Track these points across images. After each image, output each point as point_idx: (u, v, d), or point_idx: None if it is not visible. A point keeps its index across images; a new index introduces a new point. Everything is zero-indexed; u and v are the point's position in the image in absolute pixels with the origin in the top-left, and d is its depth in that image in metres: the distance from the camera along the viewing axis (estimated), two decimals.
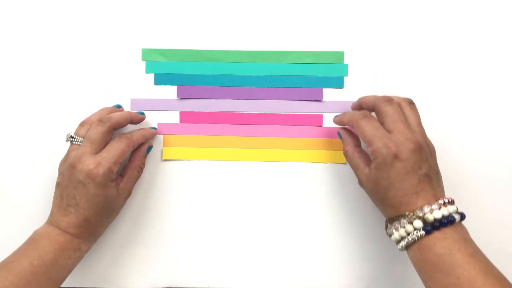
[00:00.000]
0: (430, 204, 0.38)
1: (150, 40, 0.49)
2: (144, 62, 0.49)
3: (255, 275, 0.49)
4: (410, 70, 0.49)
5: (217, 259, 0.49)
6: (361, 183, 0.42)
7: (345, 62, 0.49)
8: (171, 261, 0.49)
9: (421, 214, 0.37)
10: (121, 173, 0.46)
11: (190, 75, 0.49)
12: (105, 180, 0.41)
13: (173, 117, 0.49)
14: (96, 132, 0.42)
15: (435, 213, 0.37)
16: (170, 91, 0.49)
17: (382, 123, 0.41)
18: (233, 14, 0.49)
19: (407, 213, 0.38)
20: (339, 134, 0.46)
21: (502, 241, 0.48)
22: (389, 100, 0.41)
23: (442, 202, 0.38)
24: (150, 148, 0.48)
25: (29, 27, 0.49)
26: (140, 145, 0.47)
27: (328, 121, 0.49)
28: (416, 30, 0.49)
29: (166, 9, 0.49)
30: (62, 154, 0.48)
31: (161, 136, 0.49)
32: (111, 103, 0.49)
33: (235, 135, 0.49)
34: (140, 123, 0.48)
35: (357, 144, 0.44)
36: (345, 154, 0.44)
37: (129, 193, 0.46)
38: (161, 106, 0.49)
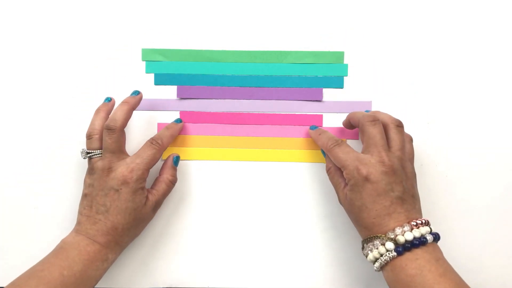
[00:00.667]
0: (402, 226, 0.38)
1: (150, 40, 0.49)
2: (144, 62, 0.49)
3: (255, 275, 0.49)
4: (410, 70, 0.49)
5: (217, 259, 0.49)
6: (340, 201, 0.43)
7: (345, 62, 0.49)
8: (171, 261, 0.49)
9: (392, 236, 0.38)
10: (152, 185, 0.46)
11: (190, 75, 0.49)
12: (137, 186, 0.42)
13: (173, 117, 0.49)
14: (111, 141, 0.43)
15: (407, 235, 0.38)
16: (170, 91, 0.49)
17: (362, 142, 0.43)
18: (233, 14, 0.49)
19: (379, 235, 0.39)
20: (322, 151, 0.47)
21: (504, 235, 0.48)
22: (373, 120, 0.42)
23: (414, 223, 0.38)
24: (177, 158, 0.47)
25: (29, 27, 0.49)
26: (168, 156, 0.47)
27: (328, 121, 0.49)
28: (416, 30, 0.49)
29: (166, 9, 0.49)
30: (62, 154, 0.48)
31: None
32: None
33: (235, 135, 0.49)
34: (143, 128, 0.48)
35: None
36: (328, 171, 0.45)
37: (157, 206, 0.45)
38: (161, 106, 0.49)
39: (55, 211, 0.48)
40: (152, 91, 0.49)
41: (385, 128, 0.43)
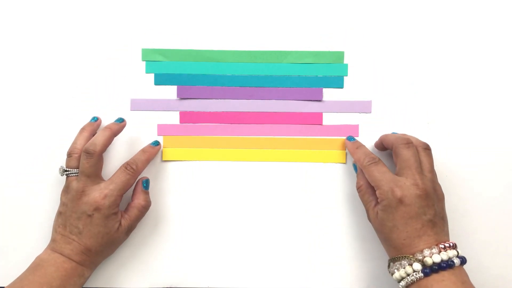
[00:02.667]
0: (430, 248, 0.39)
1: (150, 40, 0.49)
2: (144, 62, 0.49)
3: (255, 275, 0.49)
4: (410, 70, 0.49)
5: (217, 259, 0.49)
6: (369, 219, 0.44)
7: (345, 62, 0.49)
8: (171, 261, 0.49)
9: (420, 257, 0.39)
10: (125, 209, 0.46)
11: (190, 75, 0.49)
12: (109, 212, 0.43)
13: (173, 117, 0.49)
14: (88, 165, 0.43)
15: (435, 257, 0.38)
16: (170, 91, 0.49)
17: (396, 164, 0.43)
18: (233, 14, 0.49)
19: (408, 255, 0.39)
20: (354, 166, 0.47)
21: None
22: (407, 143, 0.43)
23: (442, 246, 0.39)
24: (146, 182, 0.47)
25: (29, 28, 0.49)
26: (137, 181, 0.47)
27: (328, 121, 0.49)
28: (416, 30, 0.49)
29: (166, 9, 0.49)
30: (62, 154, 0.48)
31: (161, 137, 0.49)
32: (111, 103, 0.49)
33: (235, 135, 0.49)
34: (143, 128, 0.49)
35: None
36: (359, 188, 0.45)
37: (130, 229, 0.46)
38: (161, 106, 0.49)
39: (55, 211, 0.48)
40: (152, 91, 0.49)
41: None
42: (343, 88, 0.49)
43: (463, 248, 0.48)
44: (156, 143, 0.48)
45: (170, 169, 0.49)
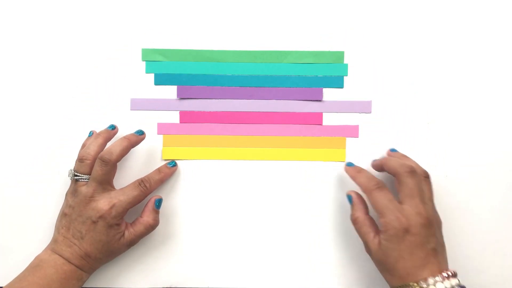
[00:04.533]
0: (434, 276, 0.39)
1: (150, 40, 0.49)
2: (144, 62, 0.49)
3: (255, 275, 0.49)
4: (410, 70, 0.49)
5: (217, 259, 0.49)
6: (368, 250, 0.43)
7: (345, 62, 0.49)
8: (171, 261, 0.49)
9: (425, 286, 0.39)
10: (132, 222, 0.46)
11: (190, 75, 0.49)
12: (113, 221, 0.43)
13: (173, 117, 0.49)
14: (102, 173, 0.43)
15: (438, 285, 0.39)
16: (170, 91, 0.49)
17: (398, 192, 0.42)
18: (233, 14, 0.49)
19: (412, 283, 0.39)
20: (349, 198, 0.45)
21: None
22: (411, 172, 0.42)
23: (446, 275, 0.39)
24: (159, 202, 0.47)
25: (29, 28, 0.49)
26: (150, 199, 0.47)
27: (328, 121, 0.49)
28: (416, 30, 0.49)
29: (166, 9, 0.49)
30: (62, 154, 0.48)
31: (161, 136, 0.49)
32: (111, 103, 0.49)
33: (235, 134, 0.49)
34: (143, 128, 0.49)
35: (367, 212, 0.44)
36: (355, 220, 0.44)
37: (132, 244, 0.46)
38: (161, 106, 0.49)
39: (55, 211, 0.48)
40: (152, 91, 0.49)
41: None
42: (343, 88, 0.49)
43: (463, 248, 0.48)
44: (173, 164, 0.48)
45: None
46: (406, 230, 0.40)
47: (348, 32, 0.49)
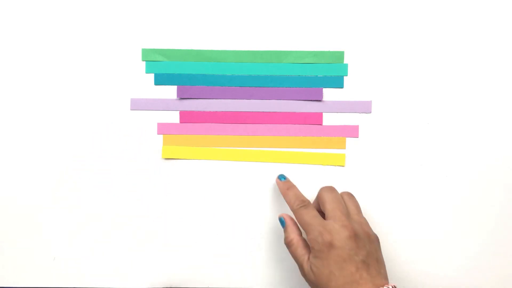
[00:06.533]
0: None
1: (150, 40, 0.49)
2: (144, 62, 0.49)
3: (255, 275, 0.49)
4: (410, 70, 0.49)
5: (217, 259, 0.49)
6: (303, 273, 0.42)
7: (345, 62, 0.49)
8: (171, 261, 0.49)
9: None
10: None
11: (190, 75, 0.49)
12: None
13: (173, 117, 0.49)
14: None
15: None
16: (170, 91, 0.49)
17: (323, 209, 0.43)
18: (233, 14, 0.49)
19: None
20: (281, 220, 0.45)
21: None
22: (330, 188, 0.45)
23: None
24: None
25: (29, 28, 0.49)
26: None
27: (328, 121, 0.49)
28: (416, 30, 0.49)
29: (166, 9, 0.49)
30: (61, 154, 0.48)
31: (161, 136, 0.49)
32: (111, 103, 0.49)
33: (235, 134, 0.49)
34: (143, 128, 0.48)
35: (300, 233, 0.44)
36: (289, 242, 0.43)
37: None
38: (161, 106, 0.49)
39: (55, 211, 0.48)
40: (152, 91, 0.49)
41: None
42: (343, 88, 0.49)
43: (463, 247, 0.48)
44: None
45: (170, 168, 0.49)
46: (331, 244, 0.39)
47: (348, 32, 0.49)
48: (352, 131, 0.49)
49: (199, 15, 0.49)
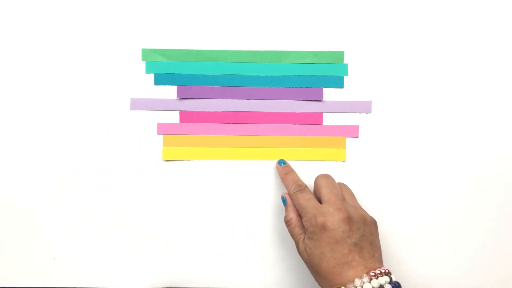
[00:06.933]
0: (361, 277, 0.38)
1: (150, 40, 0.49)
2: (144, 62, 0.49)
3: (255, 275, 0.49)
4: (410, 70, 0.49)
5: (217, 259, 0.49)
6: (299, 252, 0.43)
7: (345, 62, 0.49)
8: (171, 261, 0.49)
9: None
10: None
11: (190, 75, 0.49)
12: None
13: (173, 117, 0.49)
14: None
15: (366, 286, 0.37)
16: (170, 91, 0.49)
17: (319, 194, 0.44)
18: (233, 14, 0.49)
19: (340, 287, 0.38)
20: (283, 199, 0.46)
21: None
22: (325, 174, 0.46)
23: (373, 274, 0.38)
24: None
25: (29, 28, 0.49)
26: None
27: (328, 121, 0.49)
28: (416, 30, 0.49)
29: (166, 9, 0.49)
30: (61, 154, 0.48)
31: (161, 136, 0.49)
32: (111, 103, 0.49)
33: (235, 134, 0.49)
34: (143, 128, 0.48)
35: (299, 214, 0.45)
36: (289, 221, 0.44)
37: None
38: (161, 106, 0.49)
39: (55, 211, 0.48)
40: (152, 91, 0.49)
41: None
42: (343, 88, 0.49)
43: (463, 247, 0.48)
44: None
45: (170, 168, 0.49)
46: (323, 226, 0.40)
47: (348, 32, 0.49)
48: (352, 131, 0.49)
49: (199, 15, 0.49)
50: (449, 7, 0.49)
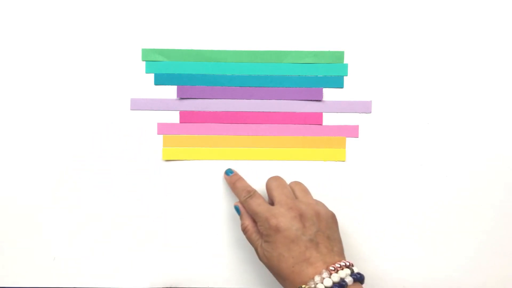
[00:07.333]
0: (320, 273, 0.38)
1: (150, 40, 0.49)
2: (144, 62, 0.49)
3: (255, 275, 0.49)
4: (410, 70, 0.49)
5: (217, 259, 0.49)
6: (259, 258, 0.43)
7: (345, 62, 0.49)
8: (171, 261, 0.49)
9: (313, 285, 0.37)
10: None
11: (190, 75, 0.49)
12: None
13: (173, 117, 0.49)
14: None
15: (326, 281, 0.37)
16: (170, 91, 0.49)
17: (270, 197, 0.44)
18: (233, 14, 0.49)
19: (302, 286, 0.38)
20: (236, 208, 0.46)
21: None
22: (275, 177, 0.46)
23: (333, 268, 0.38)
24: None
25: (29, 28, 0.49)
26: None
27: (328, 121, 0.49)
28: (416, 30, 0.49)
29: (166, 9, 0.49)
30: (61, 154, 0.48)
31: (161, 136, 0.49)
32: (111, 103, 0.49)
33: (235, 134, 0.49)
34: (143, 128, 0.48)
35: (254, 219, 0.44)
36: (245, 228, 0.44)
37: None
38: (161, 106, 0.49)
39: (55, 211, 0.48)
40: (152, 91, 0.49)
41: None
42: (343, 88, 0.49)
43: (463, 247, 0.48)
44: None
45: (170, 168, 0.49)
46: (277, 228, 0.40)
47: (348, 32, 0.49)
48: (352, 131, 0.49)
49: (199, 15, 0.49)
50: (449, 7, 0.49)
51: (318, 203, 0.44)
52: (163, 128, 0.49)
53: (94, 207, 0.49)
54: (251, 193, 0.44)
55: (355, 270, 0.39)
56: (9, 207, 0.49)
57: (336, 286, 0.37)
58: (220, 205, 0.49)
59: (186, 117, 0.49)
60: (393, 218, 0.49)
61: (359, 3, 0.49)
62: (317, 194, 0.49)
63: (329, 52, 0.49)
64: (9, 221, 0.49)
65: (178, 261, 0.49)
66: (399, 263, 0.49)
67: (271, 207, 0.42)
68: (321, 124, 0.49)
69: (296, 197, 0.44)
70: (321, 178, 0.49)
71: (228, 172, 0.48)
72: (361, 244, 0.49)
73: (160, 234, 0.49)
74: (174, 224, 0.49)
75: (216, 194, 0.49)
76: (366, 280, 0.48)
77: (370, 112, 0.49)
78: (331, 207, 0.49)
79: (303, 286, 0.38)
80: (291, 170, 0.49)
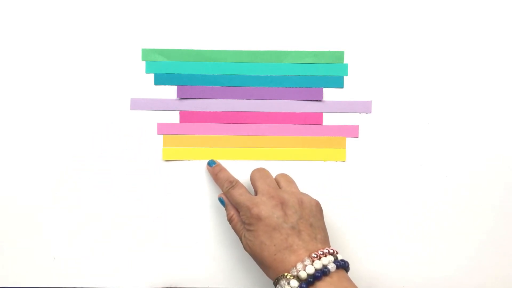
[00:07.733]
0: (302, 260, 0.38)
1: (150, 40, 0.49)
2: (144, 62, 0.49)
3: (255, 275, 0.49)
4: (410, 70, 0.49)
5: (217, 259, 0.49)
6: (244, 247, 0.43)
7: (345, 62, 0.49)
8: (171, 261, 0.49)
9: (295, 273, 0.37)
10: None
11: (190, 75, 0.49)
12: None
13: (173, 117, 0.49)
14: None
15: (308, 268, 0.37)
16: (170, 91, 0.49)
17: (254, 188, 0.44)
18: (233, 14, 0.49)
19: (285, 274, 0.38)
20: (221, 200, 0.46)
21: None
22: (259, 168, 0.46)
23: (315, 255, 0.38)
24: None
25: (29, 28, 0.49)
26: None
27: (328, 121, 0.49)
28: (416, 30, 0.49)
29: (166, 9, 0.49)
30: (61, 154, 0.48)
31: (161, 136, 0.49)
32: (111, 103, 0.49)
33: (235, 134, 0.49)
34: (143, 128, 0.48)
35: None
36: (230, 218, 0.45)
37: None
38: (161, 106, 0.49)
39: (55, 211, 0.48)
40: (152, 91, 0.49)
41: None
42: (343, 88, 0.49)
43: (463, 247, 0.48)
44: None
45: (170, 168, 0.49)
46: (258, 216, 0.40)
47: (348, 32, 0.49)
48: (352, 131, 0.49)
49: (199, 15, 0.49)
50: (449, 7, 0.49)
51: (303, 193, 0.44)
52: (163, 128, 0.49)
53: (94, 207, 0.49)
54: (233, 183, 0.45)
55: (339, 257, 0.39)
56: (9, 207, 0.49)
57: (318, 273, 0.37)
58: (220, 205, 0.49)
59: (186, 117, 0.49)
60: (393, 218, 0.49)
61: (359, 3, 0.49)
62: (317, 194, 0.49)
63: (329, 52, 0.49)
64: (9, 221, 0.49)
65: (178, 261, 0.49)
66: (399, 263, 0.49)
67: (253, 196, 0.43)
68: (321, 124, 0.49)
69: (280, 187, 0.44)
70: (321, 178, 0.49)
71: (211, 163, 0.48)
72: (361, 244, 0.49)
73: (160, 234, 0.49)
74: (174, 224, 0.49)
75: (216, 194, 0.49)
76: (366, 280, 0.48)
77: (370, 112, 0.49)
78: (331, 207, 0.49)
79: (286, 274, 0.38)
80: (291, 170, 0.49)
